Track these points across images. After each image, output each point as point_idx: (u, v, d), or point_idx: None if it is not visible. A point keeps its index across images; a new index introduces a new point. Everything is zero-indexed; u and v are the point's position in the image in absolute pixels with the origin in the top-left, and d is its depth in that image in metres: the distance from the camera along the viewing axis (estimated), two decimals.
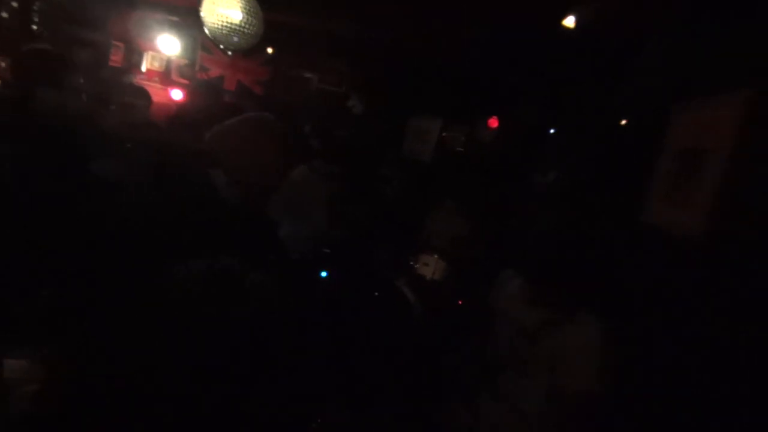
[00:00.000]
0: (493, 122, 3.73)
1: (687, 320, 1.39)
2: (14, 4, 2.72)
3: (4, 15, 2.66)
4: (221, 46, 1.95)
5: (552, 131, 3.02)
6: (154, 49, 4.16)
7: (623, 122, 2.08)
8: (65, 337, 0.85)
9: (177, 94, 4.08)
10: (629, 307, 1.65)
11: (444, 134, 4.18)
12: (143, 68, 4.23)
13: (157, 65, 4.27)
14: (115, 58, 4.14)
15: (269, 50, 4.25)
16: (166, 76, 4.29)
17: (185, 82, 4.25)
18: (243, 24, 1.80)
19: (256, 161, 1.29)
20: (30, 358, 0.82)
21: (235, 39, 1.81)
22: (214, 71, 4.30)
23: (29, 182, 1.18)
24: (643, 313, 1.59)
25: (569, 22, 1.93)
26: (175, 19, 4.01)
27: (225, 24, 1.77)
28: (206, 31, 1.86)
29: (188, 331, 0.78)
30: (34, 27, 2.52)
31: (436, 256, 3.05)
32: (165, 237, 0.90)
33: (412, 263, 3.07)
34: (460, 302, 2.66)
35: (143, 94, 2.55)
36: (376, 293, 3.04)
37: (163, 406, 0.75)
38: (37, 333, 0.88)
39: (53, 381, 0.79)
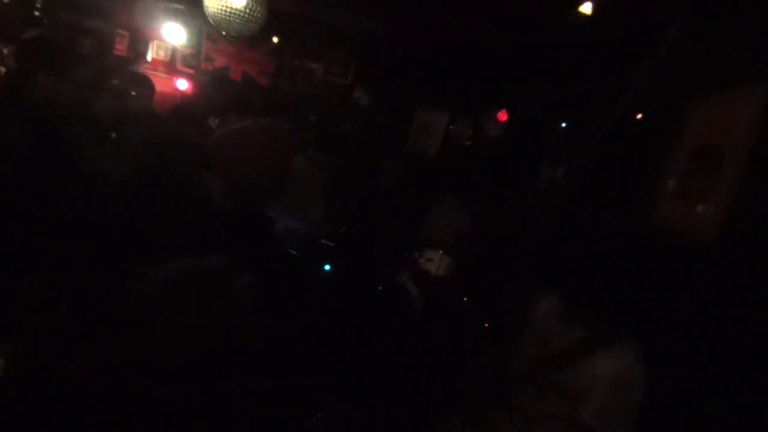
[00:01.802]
0: (503, 116, 3.67)
1: (702, 326, 1.34)
2: None
3: (6, 1, 2.64)
4: (223, 33, 1.91)
5: (562, 125, 2.95)
6: (159, 38, 4.13)
7: (637, 117, 2.02)
8: (34, 332, 0.81)
9: (182, 84, 4.06)
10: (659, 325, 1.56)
11: (451, 128, 4.13)
12: (149, 57, 4.21)
13: (162, 54, 4.24)
14: (121, 47, 4.12)
15: (275, 40, 4.20)
16: (171, 65, 4.26)
17: (190, 71, 4.22)
18: (245, 10, 1.76)
19: (260, 167, 1.25)
20: None
21: (237, 25, 1.77)
22: (219, 61, 4.26)
23: (21, 170, 1.15)
24: (660, 320, 1.53)
25: (586, 8, 1.86)
26: (180, 7, 3.97)
27: (227, 9, 1.73)
28: (208, 17, 1.82)
29: (165, 338, 0.74)
30: (36, 14, 2.50)
31: (440, 252, 3.02)
32: (150, 231, 0.87)
33: (416, 258, 3.04)
34: (465, 299, 2.63)
35: (146, 83, 2.51)
36: (379, 288, 3.02)
37: (140, 411, 0.71)
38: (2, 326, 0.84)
39: (15, 381, 0.75)
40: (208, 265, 0.81)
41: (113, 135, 1.71)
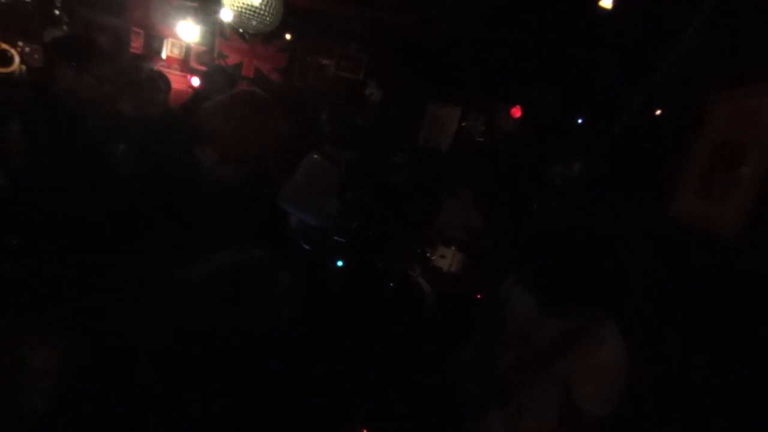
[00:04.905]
0: (516, 111, 3.63)
1: (721, 322, 1.33)
2: None
3: (28, 0, 2.69)
4: (240, 30, 1.91)
5: (579, 121, 2.91)
6: (173, 36, 4.17)
7: (656, 113, 1.98)
8: (84, 328, 0.83)
9: (196, 81, 4.09)
10: (653, 313, 1.58)
11: (463, 123, 4.11)
12: (163, 55, 4.25)
13: (176, 52, 4.27)
14: (136, 45, 4.16)
15: (287, 36, 4.21)
16: (185, 62, 4.30)
17: (204, 68, 4.25)
18: (263, 7, 1.77)
19: (247, 137, 1.23)
20: (49, 349, 0.80)
21: (254, 22, 1.78)
22: (232, 58, 4.28)
23: (44, 165, 1.17)
24: (671, 315, 1.53)
25: (606, 2, 1.82)
26: (194, 5, 4.00)
27: (245, 7, 1.74)
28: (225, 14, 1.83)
29: (210, 327, 0.76)
30: (56, 12, 2.54)
31: (453, 248, 3.01)
32: (180, 227, 0.88)
33: (428, 255, 3.04)
34: (479, 296, 2.62)
35: (163, 80, 2.55)
36: (391, 284, 3.02)
37: (179, 406, 0.73)
38: (56, 323, 0.86)
39: (72, 375, 0.77)
40: (250, 258, 0.82)
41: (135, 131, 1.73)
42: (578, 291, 1.14)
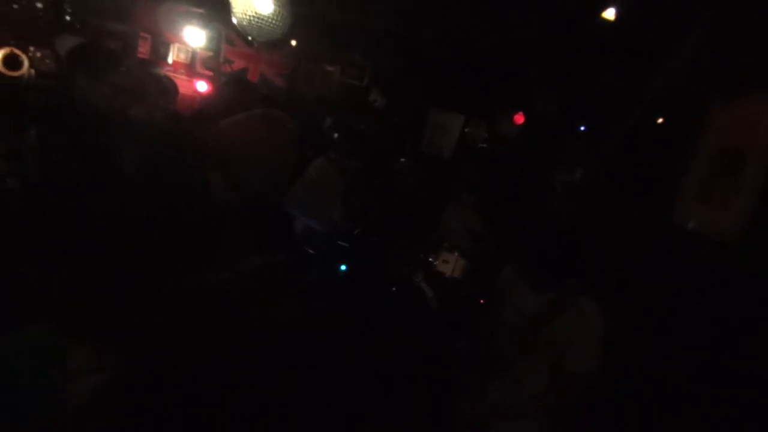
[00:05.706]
0: (519, 118, 3.66)
1: (721, 322, 1.34)
2: None
3: (39, 5, 2.74)
4: (249, 38, 1.95)
5: (581, 128, 2.94)
6: (180, 41, 4.22)
7: (658, 121, 2.01)
8: (116, 330, 0.84)
9: (202, 86, 4.14)
10: (654, 316, 1.61)
11: (466, 130, 4.14)
12: (170, 60, 4.30)
13: (183, 57, 4.33)
14: (143, 50, 4.22)
15: (293, 43, 4.26)
16: (191, 67, 4.35)
17: (210, 73, 4.30)
18: (273, 16, 1.80)
19: (261, 160, 1.21)
20: (94, 346, 0.81)
21: (265, 31, 1.81)
22: (238, 63, 4.33)
23: (64, 170, 1.20)
24: (673, 314, 1.54)
25: (609, 14, 1.86)
26: (200, 11, 4.05)
27: (254, 16, 1.77)
28: (234, 22, 1.87)
29: (239, 327, 0.78)
30: (67, 18, 2.60)
31: (456, 254, 3.03)
32: (186, 230, 0.90)
33: (431, 260, 3.06)
34: (482, 301, 2.63)
35: (170, 85, 2.59)
36: (394, 288, 3.03)
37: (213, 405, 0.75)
38: (88, 326, 0.87)
39: (116, 372, 0.78)
40: (279, 260, 0.84)
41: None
42: (560, 270, 1.33)
